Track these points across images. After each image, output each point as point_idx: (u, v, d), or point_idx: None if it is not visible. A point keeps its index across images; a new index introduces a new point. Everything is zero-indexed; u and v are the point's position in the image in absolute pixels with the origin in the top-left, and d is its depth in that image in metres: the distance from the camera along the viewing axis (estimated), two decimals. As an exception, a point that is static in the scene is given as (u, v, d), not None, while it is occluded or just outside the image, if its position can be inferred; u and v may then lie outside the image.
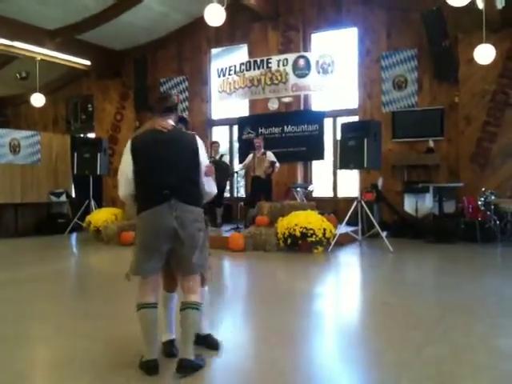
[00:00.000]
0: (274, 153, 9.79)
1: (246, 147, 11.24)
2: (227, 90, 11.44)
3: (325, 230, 7.88)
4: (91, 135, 14.06)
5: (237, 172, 10.77)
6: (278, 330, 3.92)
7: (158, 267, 3.11)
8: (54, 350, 3.60)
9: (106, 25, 11.26)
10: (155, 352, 3.04)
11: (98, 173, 11.08)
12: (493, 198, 8.71)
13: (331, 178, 11.45)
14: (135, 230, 3.20)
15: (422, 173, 10.07)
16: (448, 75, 9.78)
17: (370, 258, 7.89)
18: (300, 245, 7.87)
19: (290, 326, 4.03)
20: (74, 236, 10.95)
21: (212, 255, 3.37)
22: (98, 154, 10.96)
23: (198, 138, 3.21)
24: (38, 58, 12.13)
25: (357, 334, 3.95)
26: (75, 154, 11.39)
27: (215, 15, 7.88)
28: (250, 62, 11.22)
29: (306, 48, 11.32)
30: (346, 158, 8.33)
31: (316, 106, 11.68)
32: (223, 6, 7.88)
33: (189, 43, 12.66)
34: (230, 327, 4.17)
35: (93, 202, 11.14)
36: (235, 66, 11.32)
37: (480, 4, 7.70)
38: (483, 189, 8.84)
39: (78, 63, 12.87)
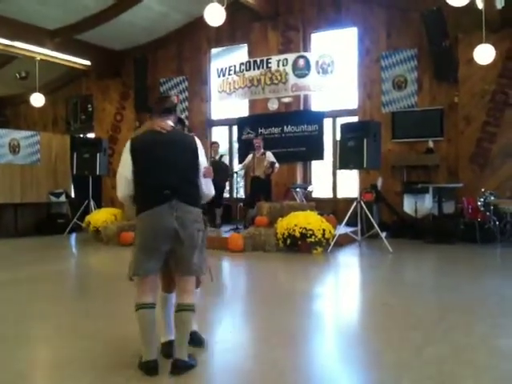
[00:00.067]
0: (273, 153, 9.79)
1: (245, 147, 11.23)
2: (227, 90, 11.44)
3: (324, 230, 7.88)
4: (91, 135, 14.06)
5: (236, 172, 10.77)
6: (277, 331, 3.92)
7: (157, 268, 3.11)
8: (54, 350, 3.60)
9: (105, 25, 11.26)
10: (154, 352, 3.04)
11: (98, 173, 11.06)
12: (492, 198, 8.71)
13: (331, 179, 11.45)
14: (135, 230, 3.20)
15: (421, 173, 10.07)
16: (448, 75, 9.79)
17: (370, 259, 7.89)
18: (299, 245, 7.87)
19: (290, 327, 4.03)
20: (73, 236, 10.95)
21: (209, 256, 3.36)
22: (98, 155, 10.95)
23: (197, 140, 3.23)
24: (38, 58, 12.13)
25: (356, 335, 3.95)
26: (75, 154, 11.39)
27: (215, 15, 7.88)
28: (249, 61, 11.22)
29: (306, 48, 11.32)
30: (346, 158, 8.33)
31: (316, 106, 11.68)
32: (223, 5, 7.89)
33: (189, 43, 12.66)
34: (230, 327, 4.17)
35: (92, 203, 11.13)
36: (235, 66, 11.32)
37: (480, 4, 7.70)
38: (483, 189, 8.84)
39: (77, 63, 12.88)
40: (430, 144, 9.93)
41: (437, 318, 4.24)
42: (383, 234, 8.31)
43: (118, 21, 11.16)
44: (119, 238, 9.09)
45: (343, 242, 8.66)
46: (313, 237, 7.78)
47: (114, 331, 3.93)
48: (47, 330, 4.09)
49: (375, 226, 8.32)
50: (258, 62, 11.04)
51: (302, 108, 11.45)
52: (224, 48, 12.71)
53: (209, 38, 12.44)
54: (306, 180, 11.58)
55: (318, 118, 11.17)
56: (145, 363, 3.00)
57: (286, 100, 11.23)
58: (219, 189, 8.72)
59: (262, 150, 9.73)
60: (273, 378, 2.99)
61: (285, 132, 11.36)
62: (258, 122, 11.64)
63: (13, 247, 9.49)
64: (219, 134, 12.72)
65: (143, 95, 12.79)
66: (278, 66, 10.81)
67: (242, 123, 11.94)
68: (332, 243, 8.03)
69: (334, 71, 10.47)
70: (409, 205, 9.91)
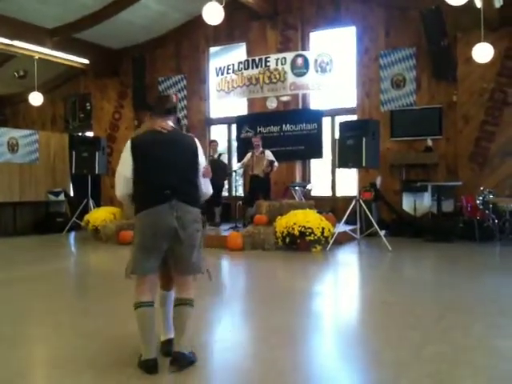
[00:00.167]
0: (272, 151, 9.79)
1: (244, 146, 11.23)
2: (225, 88, 11.42)
3: (323, 228, 7.89)
4: (89, 134, 14.05)
5: (235, 171, 10.77)
6: (276, 330, 3.92)
7: (156, 266, 3.12)
8: (53, 348, 3.60)
9: (104, 23, 11.24)
10: (154, 351, 3.04)
11: (97, 172, 11.05)
12: (491, 196, 8.72)
13: (330, 177, 11.45)
14: (134, 229, 3.20)
15: (420, 172, 10.08)
16: (446, 74, 9.79)
17: (369, 257, 7.90)
18: (298, 244, 7.88)
19: (289, 326, 4.03)
20: (72, 235, 10.94)
21: (208, 254, 3.37)
22: (96, 153, 10.93)
23: (196, 140, 3.27)
24: (36, 57, 12.10)
25: (355, 333, 3.95)
26: (73, 153, 11.39)
27: (213, 14, 7.87)
28: (248, 60, 11.20)
29: (305, 47, 11.31)
30: (345, 156, 8.33)
31: (314, 104, 11.67)
32: (222, 4, 7.87)
33: (187, 42, 12.64)
34: (229, 326, 4.17)
35: (91, 201, 11.13)
36: (233, 64, 11.30)
37: (478, 3, 7.72)
38: (481, 188, 8.85)
39: (76, 62, 12.86)
40: (429, 142, 9.93)
41: (436, 316, 4.24)
42: (382, 233, 8.32)
43: (117, 19, 11.14)
44: (118, 237, 9.08)
45: (342, 240, 8.66)
46: (312, 235, 7.78)
47: (114, 330, 3.93)
48: (46, 328, 4.09)
49: (374, 224, 8.33)
50: (257, 61, 11.03)
51: (300, 107, 11.45)
52: (222, 47, 12.71)
53: (207, 37, 12.42)
54: (305, 178, 11.58)
55: (316, 117, 11.17)
56: (144, 362, 3.00)
57: (285, 99, 11.22)
58: (217, 187, 8.71)
59: (261, 149, 9.73)
60: (272, 377, 2.99)
61: (284, 130, 11.36)
62: (256, 120, 11.64)
63: (11, 246, 9.48)
64: (218, 133, 12.71)
65: (141, 94, 12.78)
66: (277, 64, 10.80)
67: (240, 122, 11.94)
68: (331, 241, 8.04)
69: (332, 70, 10.46)
70: (408, 203, 9.92)
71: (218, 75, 11.56)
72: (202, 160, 3.25)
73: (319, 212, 8.54)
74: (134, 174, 3.10)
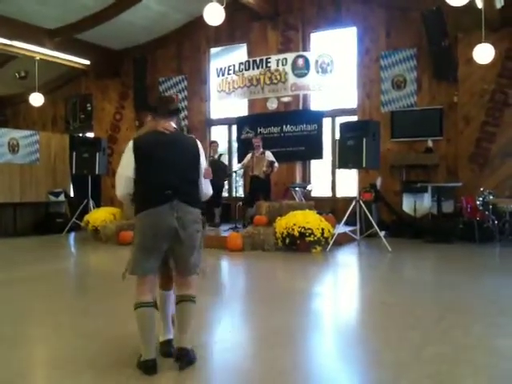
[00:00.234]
0: (272, 152, 9.79)
1: (244, 147, 11.23)
2: (226, 89, 11.43)
3: (323, 229, 7.89)
4: (90, 135, 14.06)
5: (235, 172, 10.77)
6: (276, 330, 3.92)
7: (156, 267, 3.12)
8: (53, 348, 3.60)
9: (105, 24, 11.24)
10: (153, 351, 3.04)
11: (97, 172, 11.05)
12: (491, 197, 8.71)
13: (330, 178, 11.45)
14: (134, 229, 3.20)
15: (420, 172, 10.07)
16: (447, 75, 9.78)
17: (369, 258, 7.89)
18: (298, 244, 7.87)
19: (289, 326, 4.03)
20: (72, 235, 10.94)
21: (208, 255, 3.37)
22: (97, 154, 10.93)
23: (199, 142, 3.30)
24: (37, 58, 12.12)
25: (355, 334, 3.95)
26: (74, 154, 11.38)
27: (214, 14, 7.87)
28: (249, 61, 11.20)
29: (306, 47, 11.31)
30: (345, 157, 8.33)
31: (315, 105, 11.67)
32: (222, 5, 7.88)
33: (188, 42, 12.66)
34: (229, 327, 4.17)
35: (91, 202, 11.13)
36: (234, 65, 11.31)
37: (479, 4, 7.71)
38: (482, 188, 8.84)
39: (77, 63, 12.87)
40: (430, 143, 9.93)
41: (436, 317, 4.24)
42: (382, 233, 8.32)
43: (118, 20, 11.15)
44: (118, 237, 9.08)
45: (342, 241, 8.66)
46: (312, 236, 7.78)
47: (113, 330, 3.93)
48: (46, 328, 4.09)
49: (374, 225, 8.33)
50: (258, 62, 11.03)
51: (301, 107, 11.45)
52: (223, 47, 12.71)
53: (208, 38, 12.43)
54: (305, 179, 11.58)
55: (317, 118, 11.17)
56: (144, 362, 3.00)
57: (286, 99, 11.22)
58: (217, 188, 8.71)
59: (262, 150, 9.73)
60: (272, 377, 2.99)
61: (284, 131, 11.36)
62: (257, 121, 11.64)
63: (12, 246, 9.48)
64: (218, 134, 12.71)
65: (142, 95, 12.78)
66: (278, 65, 10.81)
67: (241, 123, 11.94)
68: (331, 242, 8.04)
69: (333, 71, 10.47)
70: (408, 204, 9.92)
71: (218, 76, 11.57)
72: (204, 161, 3.28)
73: (319, 213, 8.54)
74: (136, 174, 3.10)
